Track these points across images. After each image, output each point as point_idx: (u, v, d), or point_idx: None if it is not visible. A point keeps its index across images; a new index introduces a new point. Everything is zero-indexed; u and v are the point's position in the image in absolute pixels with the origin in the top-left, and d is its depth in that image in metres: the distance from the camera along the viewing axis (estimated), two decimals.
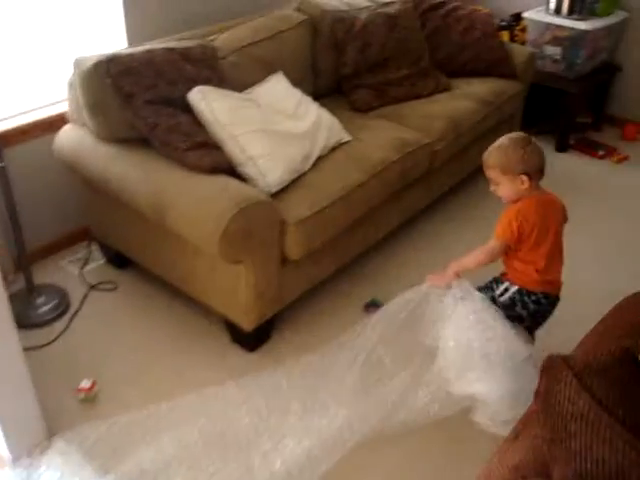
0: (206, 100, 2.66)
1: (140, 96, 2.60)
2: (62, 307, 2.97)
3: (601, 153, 4.35)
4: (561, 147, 4.38)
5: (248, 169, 2.64)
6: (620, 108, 4.65)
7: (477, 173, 3.84)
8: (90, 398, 2.55)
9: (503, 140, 2.31)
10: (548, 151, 4.18)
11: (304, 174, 2.80)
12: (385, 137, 3.11)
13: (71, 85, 2.78)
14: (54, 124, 3.06)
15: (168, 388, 2.57)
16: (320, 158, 2.90)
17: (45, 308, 2.93)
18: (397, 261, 3.31)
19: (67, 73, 2.80)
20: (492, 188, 2.37)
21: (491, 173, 2.33)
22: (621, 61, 4.53)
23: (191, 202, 2.45)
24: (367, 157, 2.95)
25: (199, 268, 2.64)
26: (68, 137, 2.89)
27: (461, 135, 3.41)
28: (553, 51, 4.20)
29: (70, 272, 3.20)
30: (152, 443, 2.29)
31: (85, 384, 2.55)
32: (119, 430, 2.35)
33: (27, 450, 2.30)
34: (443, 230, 3.55)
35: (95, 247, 3.32)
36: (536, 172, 2.27)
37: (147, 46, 2.82)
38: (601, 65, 4.41)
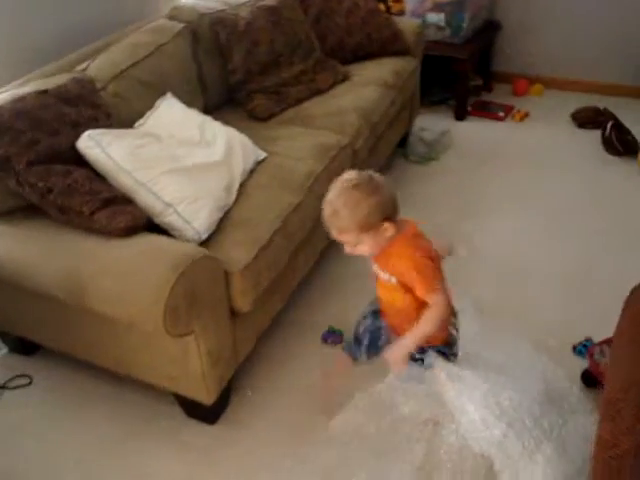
0: (100, 146, 2.23)
1: (21, 158, 2.12)
2: None
3: (501, 114, 4.20)
4: (460, 115, 4.20)
5: (169, 218, 2.23)
6: (506, 65, 4.54)
7: (393, 157, 3.65)
8: None
9: (346, 192, 1.77)
10: (448, 121, 4.04)
11: (230, 208, 2.42)
12: (302, 146, 2.77)
13: None
14: None
15: None
16: (242, 186, 2.52)
17: None
18: (340, 280, 2.99)
19: None
20: (348, 250, 1.89)
21: (345, 237, 1.84)
22: (500, 18, 4.40)
23: (115, 276, 2.01)
24: (292, 173, 2.61)
25: (136, 346, 2.22)
26: None
27: (375, 126, 3.13)
28: (437, 18, 3.98)
29: None
30: None
31: None
32: None
33: None
34: None
35: None
36: (395, 208, 1.85)
37: (9, 92, 2.33)
38: (483, 25, 4.25)
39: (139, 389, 2.47)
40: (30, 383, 2.61)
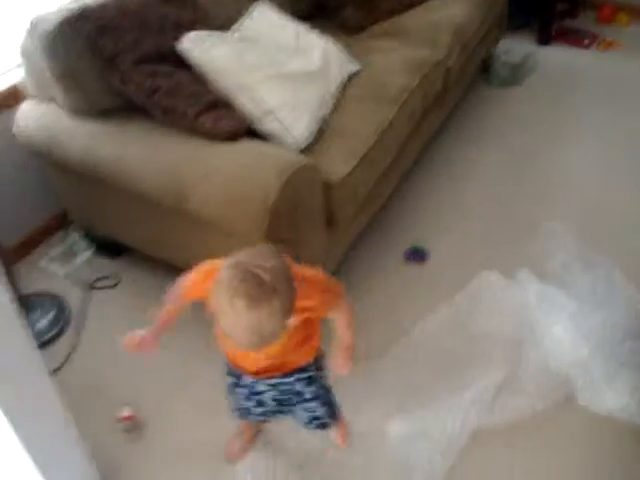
0: (202, 49, 2.19)
1: (126, 56, 2.10)
2: (62, 319, 2.50)
3: (586, 42, 4.04)
4: (544, 40, 4.05)
5: (269, 125, 2.21)
6: None
7: (475, 81, 3.56)
8: (135, 426, 2.15)
9: (258, 310, 1.30)
10: (531, 46, 3.91)
11: (327, 119, 2.38)
12: (395, 60, 2.70)
13: (27, 53, 2.24)
14: (3, 102, 2.52)
15: (219, 390, 2.17)
16: (337, 96, 2.48)
17: (43, 324, 2.46)
18: (424, 199, 2.96)
19: (16, 37, 2.26)
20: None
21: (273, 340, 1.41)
22: None
23: (220, 181, 2.00)
24: (386, 87, 2.55)
25: (228, 252, 2.22)
26: (32, 116, 2.37)
27: (466, 44, 3.03)
28: None
29: (57, 272, 2.71)
30: None
31: (125, 412, 2.14)
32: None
33: None
34: (459, 154, 3.20)
35: (76, 237, 2.82)
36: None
37: None
38: None
39: None
40: (117, 284, 2.65)
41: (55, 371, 2.30)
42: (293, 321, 1.47)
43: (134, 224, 2.44)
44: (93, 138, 2.22)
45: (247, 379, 1.75)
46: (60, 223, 2.85)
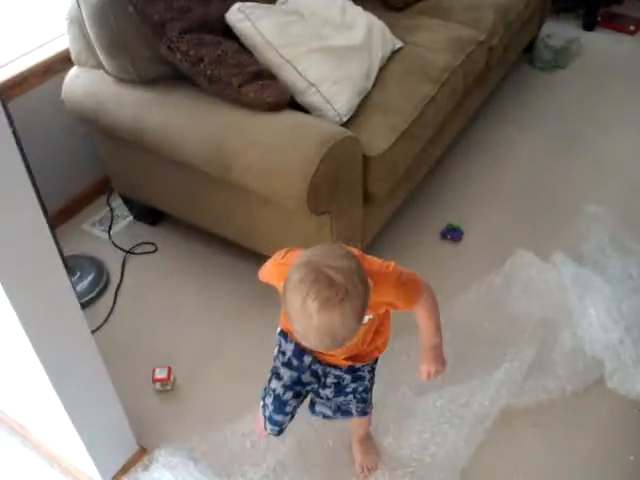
0: (249, 20, 2.21)
1: (174, 25, 2.13)
2: (102, 281, 2.57)
3: (631, 28, 3.99)
4: (589, 25, 4.00)
5: (311, 98, 2.23)
6: None
7: (518, 63, 3.53)
8: (169, 388, 2.21)
9: (333, 312, 1.26)
10: (575, 30, 3.87)
11: (368, 94, 2.39)
12: (438, 38, 2.70)
13: (75, 19, 2.28)
14: (52, 68, 2.57)
15: (251, 359, 2.24)
16: (379, 72, 2.49)
17: (82, 285, 2.53)
18: (462, 179, 2.97)
19: (62, 4, 2.30)
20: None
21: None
22: None
23: (263, 150, 2.03)
24: (429, 65, 2.55)
25: (270, 222, 2.27)
26: (80, 83, 2.41)
27: (510, 25, 3.01)
28: None
29: (97, 237, 2.78)
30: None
31: (161, 373, 2.20)
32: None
33: (121, 467, 1.97)
34: (499, 135, 3.20)
35: (117, 203, 2.88)
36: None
37: None
38: None
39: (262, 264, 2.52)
40: (155, 251, 2.71)
41: (93, 332, 2.36)
42: (369, 317, 1.48)
43: (175, 192, 2.48)
44: (140, 105, 2.26)
45: (306, 359, 1.67)
46: (103, 189, 2.92)
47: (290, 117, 2.12)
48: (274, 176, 2.01)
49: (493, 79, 3.14)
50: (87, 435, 1.81)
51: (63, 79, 2.46)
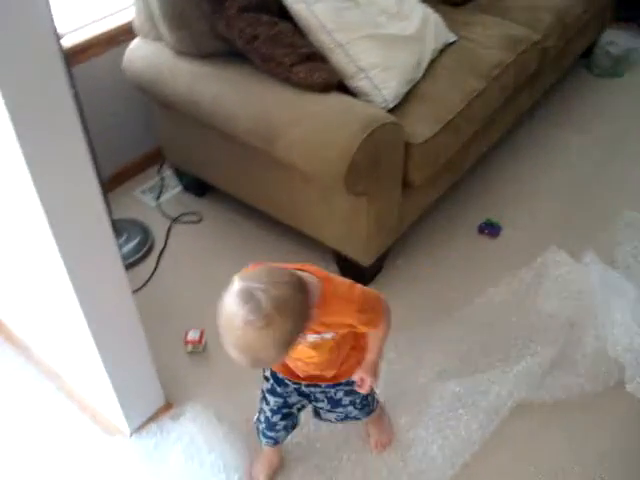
0: (306, 2, 2.28)
1: (233, 3, 2.21)
2: (146, 245, 2.68)
3: None
4: None
5: (360, 83, 2.29)
6: None
7: (575, 68, 3.52)
8: (200, 350, 2.30)
9: (251, 338, 1.26)
10: (635, 40, 3.83)
11: (417, 84, 2.45)
12: (492, 35, 2.73)
13: None
14: (117, 38, 2.68)
15: None
16: (430, 64, 2.53)
17: (128, 248, 2.64)
18: (505, 176, 2.99)
19: None
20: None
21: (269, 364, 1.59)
22: None
23: (308, 128, 2.11)
24: (480, 60, 2.59)
25: (310, 200, 2.34)
26: (140, 53, 2.52)
27: (566, 27, 3.01)
28: None
29: (146, 203, 2.89)
30: None
31: (193, 335, 2.30)
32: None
33: (147, 418, 2.07)
34: (547, 137, 3.21)
35: (168, 173, 3.00)
36: (305, 291, 1.35)
37: None
38: None
39: (299, 242, 2.61)
40: (199, 221, 2.81)
41: (134, 292, 2.46)
42: (332, 336, 1.52)
43: (223, 165, 2.58)
44: (195, 78, 2.35)
45: (289, 383, 1.73)
46: (156, 159, 3.03)
47: (337, 99, 2.19)
48: (316, 153, 2.08)
49: (546, 81, 3.14)
50: (118, 385, 1.91)
51: (124, 50, 2.57)
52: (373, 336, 1.62)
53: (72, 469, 2.01)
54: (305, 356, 1.59)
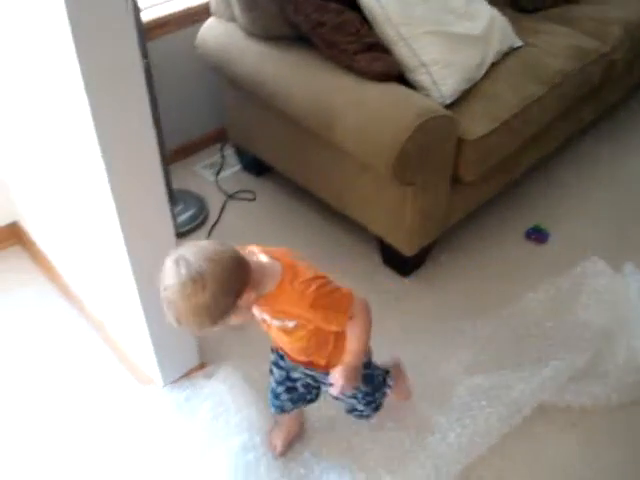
0: None
1: None
2: (201, 217, 2.79)
3: None
4: None
5: (420, 77, 2.35)
6: None
7: None
8: None
9: (176, 301, 1.35)
10: None
11: (477, 83, 2.49)
12: (559, 44, 2.74)
13: None
14: (194, 16, 2.81)
15: None
16: (493, 65, 2.57)
17: (184, 217, 2.76)
18: (559, 185, 3.00)
19: None
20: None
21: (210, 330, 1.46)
22: None
23: (364, 113, 2.18)
24: (543, 66, 2.61)
25: (361, 186, 2.40)
26: (213, 32, 2.64)
27: (636, 43, 3.00)
28: None
29: (205, 178, 3.01)
30: None
31: None
32: None
33: (181, 375, 2.17)
34: (608, 153, 3.19)
35: (229, 152, 3.11)
36: (244, 272, 1.41)
37: None
38: None
39: (345, 228, 2.68)
40: (254, 199, 2.91)
41: None
42: (295, 324, 1.56)
43: (282, 147, 2.68)
44: (262, 58, 2.45)
45: (288, 361, 1.78)
46: (219, 138, 3.14)
47: (395, 89, 2.25)
48: (370, 138, 2.16)
49: (612, 95, 3.13)
50: (157, 340, 2.02)
51: (198, 30, 2.69)
52: (350, 335, 1.60)
53: (107, 414, 2.12)
54: (280, 340, 1.66)
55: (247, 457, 1.99)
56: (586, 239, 2.71)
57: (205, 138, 3.15)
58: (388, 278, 2.56)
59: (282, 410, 1.93)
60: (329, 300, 1.50)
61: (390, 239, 2.46)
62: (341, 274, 2.47)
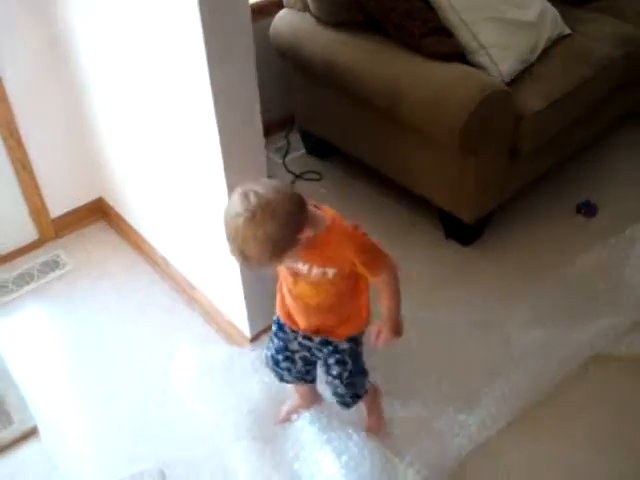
0: None
1: None
2: None
3: None
4: None
5: (480, 58, 2.56)
6: None
7: None
8: None
9: (242, 229, 1.45)
10: None
11: (531, 65, 2.70)
12: (605, 32, 2.94)
13: None
14: (265, 9, 3.04)
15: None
16: (544, 51, 2.78)
17: None
18: (610, 163, 3.19)
19: None
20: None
21: (267, 267, 1.65)
22: None
23: (430, 90, 2.40)
24: (590, 52, 2.81)
25: (424, 160, 2.62)
26: (286, 22, 2.88)
27: None
28: None
29: (274, 161, 3.25)
30: None
31: None
32: None
33: (265, 327, 2.35)
34: None
35: (294, 138, 3.34)
36: (301, 210, 1.53)
37: None
38: None
39: (408, 205, 2.91)
40: (319, 179, 3.14)
41: None
42: (334, 273, 1.65)
43: (347, 126, 2.90)
44: (332, 43, 2.69)
45: (288, 331, 1.88)
46: (284, 125, 3.38)
47: (459, 67, 2.47)
48: (437, 112, 2.38)
49: None
50: (249, 293, 2.23)
51: (268, 23, 2.94)
52: (383, 294, 1.72)
53: (197, 370, 2.30)
54: (305, 294, 1.73)
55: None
56: (633, 213, 2.87)
57: (273, 124, 3.36)
58: (451, 250, 2.77)
59: (282, 378, 1.99)
60: (370, 247, 1.64)
61: (452, 208, 2.66)
62: (407, 248, 2.73)
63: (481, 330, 2.38)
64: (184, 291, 2.60)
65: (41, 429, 2.20)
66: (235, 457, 2.06)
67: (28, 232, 2.86)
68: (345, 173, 3.14)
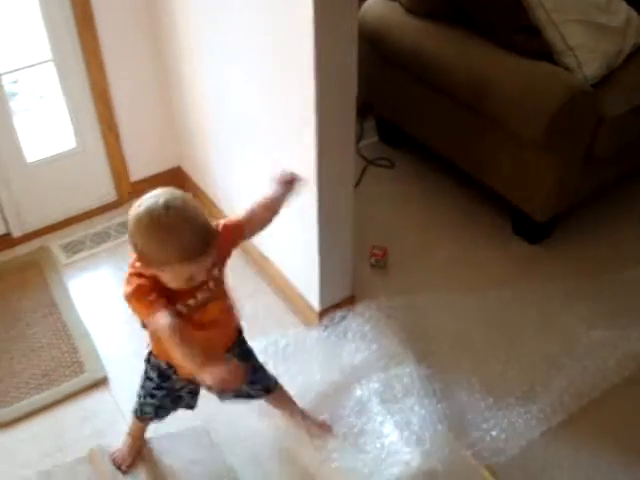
0: None
1: None
2: None
3: None
4: None
5: (566, 59, 2.59)
6: None
7: None
8: (381, 264, 2.68)
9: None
10: None
11: (615, 70, 2.73)
12: None
13: None
14: None
15: (451, 270, 2.71)
16: (628, 56, 2.80)
17: None
18: None
19: None
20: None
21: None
22: None
23: (519, 85, 2.45)
24: None
25: (503, 156, 2.65)
26: (375, 11, 2.94)
27: None
28: None
29: None
30: None
31: (378, 250, 2.67)
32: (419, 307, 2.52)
33: (334, 303, 2.44)
34: None
35: (368, 125, 3.39)
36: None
37: None
38: None
39: (479, 198, 2.96)
40: (392, 167, 3.20)
41: None
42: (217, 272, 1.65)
43: (426, 117, 2.96)
44: (421, 34, 2.76)
45: (173, 376, 1.80)
46: (362, 109, 3.42)
47: (547, 66, 2.52)
48: (523, 108, 2.43)
49: None
50: (325, 267, 2.30)
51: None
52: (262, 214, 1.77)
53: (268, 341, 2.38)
54: (215, 314, 1.70)
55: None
56: None
57: None
58: (519, 246, 2.82)
59: (164, 417, 1.96)
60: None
61: (525, 206, 2.70)
62: (474, 241, 2.77)
63: (543, 326, 2.44)
64: (258, 265, 2.68)
65: (110, 378, 2.33)
66: None
67: (108, 193, 2.98)
68: (418, 163, 3.19)
